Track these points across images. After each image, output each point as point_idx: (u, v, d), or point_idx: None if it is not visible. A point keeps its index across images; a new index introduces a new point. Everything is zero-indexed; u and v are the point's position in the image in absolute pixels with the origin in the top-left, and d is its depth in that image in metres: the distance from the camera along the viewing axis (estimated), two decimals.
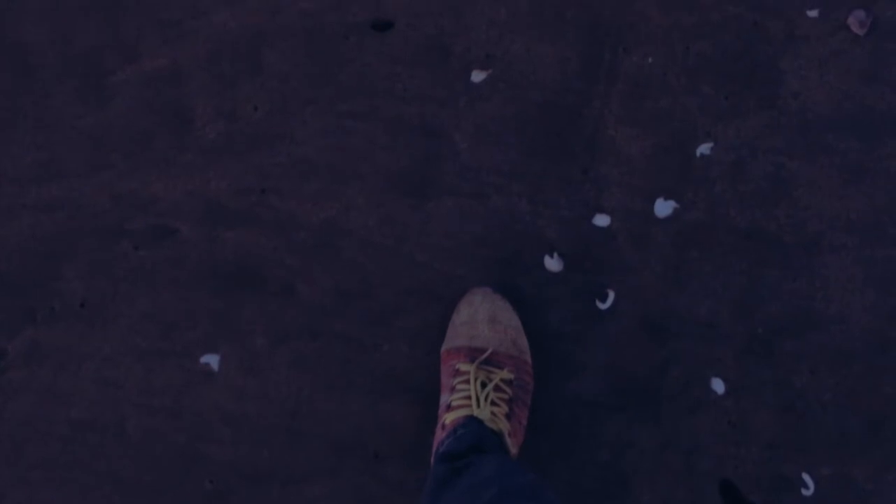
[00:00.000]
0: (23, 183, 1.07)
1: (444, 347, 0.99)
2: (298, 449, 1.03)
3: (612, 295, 1.03)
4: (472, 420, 0.90)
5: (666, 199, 1.04)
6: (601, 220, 1.04)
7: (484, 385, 0.93)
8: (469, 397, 0.92)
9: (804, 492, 1.00)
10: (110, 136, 1.07)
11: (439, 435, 0.93)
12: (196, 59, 1.08)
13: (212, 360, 1.04)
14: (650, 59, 1.06)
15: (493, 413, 0.91)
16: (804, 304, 1.03)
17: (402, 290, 1.04)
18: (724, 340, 1.02)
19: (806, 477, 1.00)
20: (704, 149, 1.05)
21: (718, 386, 1.02)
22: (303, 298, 1.04)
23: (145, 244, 1.06)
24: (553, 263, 1.03)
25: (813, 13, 1.06)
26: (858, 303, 1.03)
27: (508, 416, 0.93)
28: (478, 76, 1.06)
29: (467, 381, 0.93)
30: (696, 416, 1.01)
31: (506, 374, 0.94)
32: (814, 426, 1.01)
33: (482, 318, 0.97)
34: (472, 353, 0.95)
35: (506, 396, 0.93)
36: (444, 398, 0.95)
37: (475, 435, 0.89)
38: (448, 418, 0.92)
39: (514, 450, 0.92)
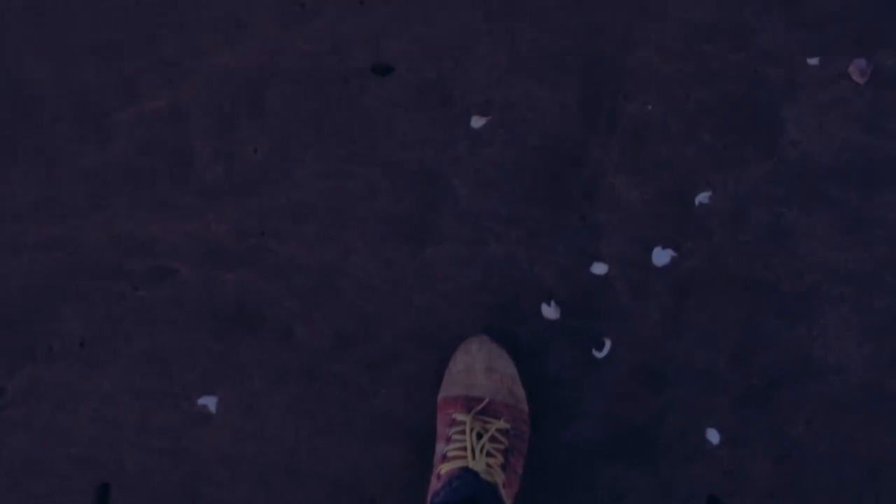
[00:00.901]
0: (22, 222, 1.07)
1: (440, 395, 0.99)
2: (297, 491, 1.03)
3: (608, 343, 1.03)
4: (467, 472, 0.90)
5: (664, 247, 1.04)
6: (599, 268, 1.04)
7: (480, 436, 0.93)
8: (464, 448, 0.92)
9: None
10: (110, 177, 1.08)
11: (434, 485, 0.93)
12: (196, 99, 1.08)
13: (209, 401, 1.04)
14: (650, 107, 1.06)
15: (488, 465, 0.91)
16: (802, 354, 1.02)
17: (401, 335, 1.04)
18: (722, 389, 1.02)
19: None
20: (703, 197, 1.04)
21: (714, 436, 1.01)
22: (301, 341, 1.05)
23: (144, 285, 1.06)
24: (550, 311, 1.03)
25: (814, 61, 1.05)
26: (857, 352, 1.02)
27: (504, 467, 0.93)
28: (477, 121, 1.06)
29: (463, 432, 0.93)
30: (693, 465, 1.01)
31: (502, 423, 0.94)
32: (811, 475, 1.01)
33: (479, 367, 0.97)
34: (469, 403, 0.95)
35: (501, 447, 0.93)
36: (440, 447, 0.95)
37: (470, 487, 0.89)
38: (443, 469, 0.92)
39: (508, 501, 0.92)
